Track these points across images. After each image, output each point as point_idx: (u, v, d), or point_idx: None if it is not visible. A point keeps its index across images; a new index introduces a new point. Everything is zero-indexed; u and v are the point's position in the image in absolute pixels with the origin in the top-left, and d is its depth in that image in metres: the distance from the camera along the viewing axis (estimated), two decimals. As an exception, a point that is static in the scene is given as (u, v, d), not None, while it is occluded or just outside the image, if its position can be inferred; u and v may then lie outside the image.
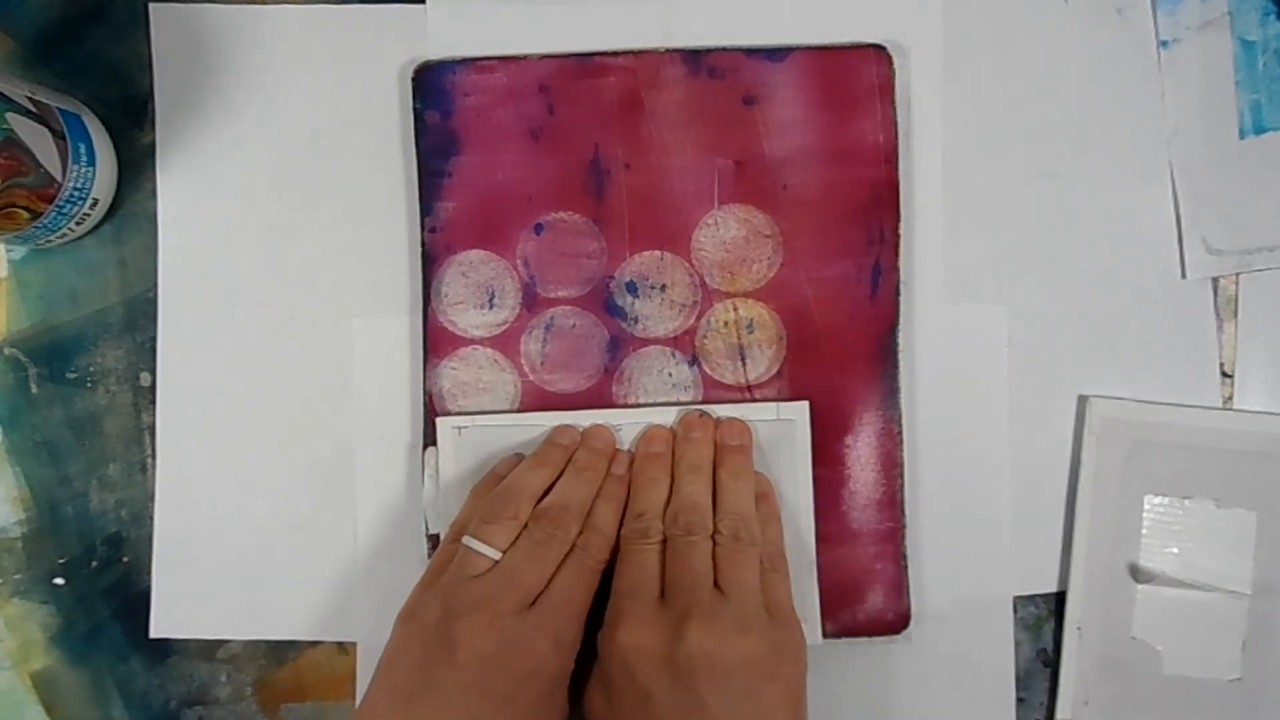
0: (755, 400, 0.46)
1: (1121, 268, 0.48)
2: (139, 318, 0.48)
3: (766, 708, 0.37)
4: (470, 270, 0.47)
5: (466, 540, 0.41)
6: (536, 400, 0.47)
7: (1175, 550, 0.47)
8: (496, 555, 0.40)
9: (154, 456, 0.48)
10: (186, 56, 0.48)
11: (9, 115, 0.40)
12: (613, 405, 0.47)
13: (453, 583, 0.40)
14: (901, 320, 0.46)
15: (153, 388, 0.48)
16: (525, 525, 0.41)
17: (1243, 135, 0.47)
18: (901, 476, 0.46)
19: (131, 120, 0.48)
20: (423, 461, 0.46)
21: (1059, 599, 0.47)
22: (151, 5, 0.47)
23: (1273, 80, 0.47)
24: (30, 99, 0.42)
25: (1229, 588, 0.46)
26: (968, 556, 0.47)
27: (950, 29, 0.48)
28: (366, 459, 0.47)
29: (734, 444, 0.45)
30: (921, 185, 0.48)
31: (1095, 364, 0.48)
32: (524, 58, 0.46)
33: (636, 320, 0.47)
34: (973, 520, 0.47)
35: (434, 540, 0.46)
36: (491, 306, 0.47)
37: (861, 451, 0.46)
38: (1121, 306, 0.48)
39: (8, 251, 0.48)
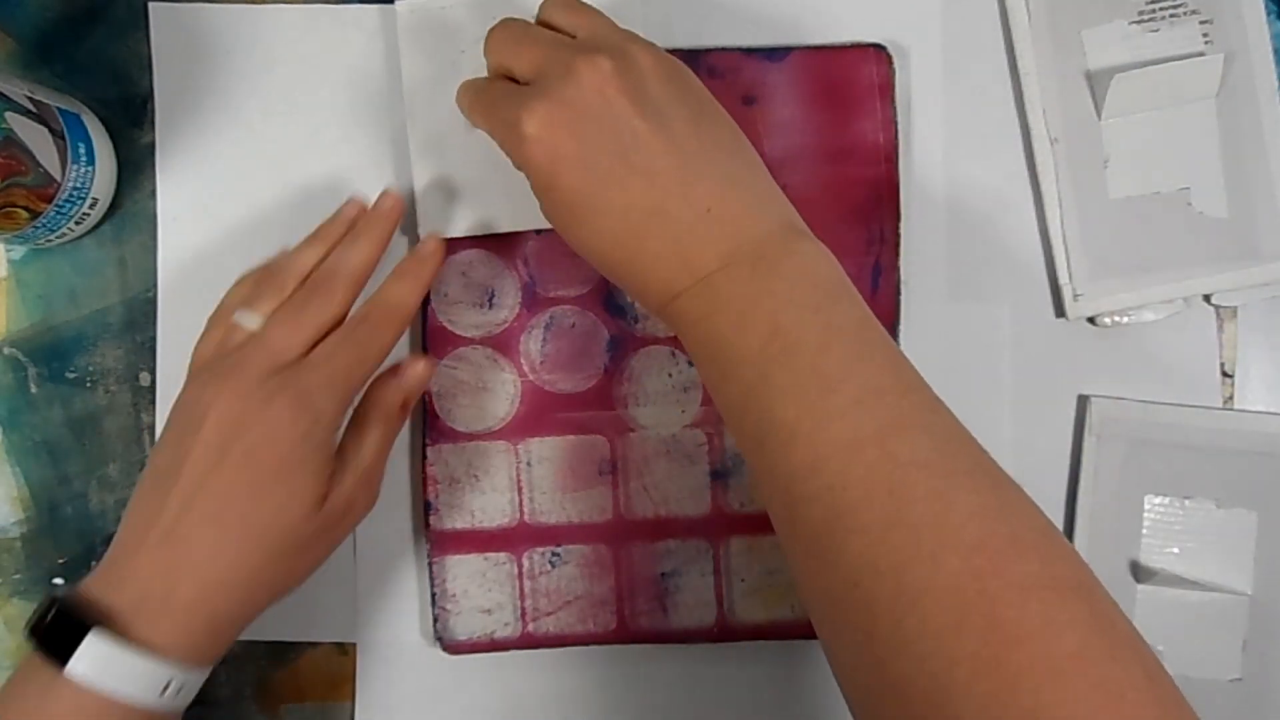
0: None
1: (1121, 268, 0.48)
2: (139, 318, 0.48)
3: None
4: (470, 270, 0.47)
5: (235, 316, 0.40)
6: (537, 400, 0.47)
7: (1175, 550, 0.46)
8: (255, 325, 0.39)
9: (154, 456, 0.48)
10: (186, 56, 0.47)
11: (8, 115, 0.40)
12: (613, 405, 0.47)
13: (213, 359, 0.39)
14: (902, 320, 0.46)
15: (152, 388, 0.48)
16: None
17: (1242, 135, 0.47)
18: (901, 476, 0.46)
19: (131, 120, 0.48)
20: None
21: (1059, 599, 0.47)
22: (151, 5, 0.47)
23: (1272, 80, 0.47)
24: (30, 98, 0.42)
25: (1229, 588, 0.46)
26: (968, 556, 0.47)
27: (950, 29, 0.48)
28: (366, 459, 0.47)
29: None
30: (921, 185, 0.48)
31: (1095, 364, 0.48)
32: (524, 57, 0.46)
33: (637, 319, 0.47)
34: (973, 520, 0.47)
35: (432, 543, 0.46)
36: (491, 306, 0.47)
37: (861, 451, 0.46)
38: (1121, 306, 0.48)
39: (7, 251, 0.48)
